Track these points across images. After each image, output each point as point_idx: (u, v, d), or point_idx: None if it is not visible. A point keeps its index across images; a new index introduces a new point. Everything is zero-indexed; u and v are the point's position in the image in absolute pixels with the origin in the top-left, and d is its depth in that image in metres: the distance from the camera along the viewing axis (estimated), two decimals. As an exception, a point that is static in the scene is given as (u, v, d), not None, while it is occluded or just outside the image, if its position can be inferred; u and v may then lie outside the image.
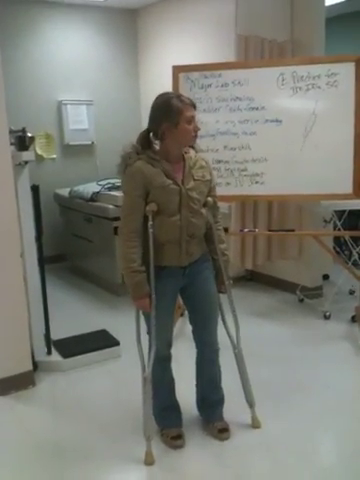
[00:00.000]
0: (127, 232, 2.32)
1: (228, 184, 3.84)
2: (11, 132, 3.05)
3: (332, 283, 4.52)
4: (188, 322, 2.57)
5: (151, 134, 2.33)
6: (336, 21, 5.80)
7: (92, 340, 3.56)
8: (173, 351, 2.52)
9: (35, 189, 3.18)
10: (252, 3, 4.33)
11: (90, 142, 5.90)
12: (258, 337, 3.66)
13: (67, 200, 5.31)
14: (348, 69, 3.58)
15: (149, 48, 5.95)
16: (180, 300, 2.62)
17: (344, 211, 4.28)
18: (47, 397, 3.08)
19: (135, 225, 2.30)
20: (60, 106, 5.70)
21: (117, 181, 4.58)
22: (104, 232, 4.67)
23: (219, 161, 3.84)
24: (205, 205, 2.40)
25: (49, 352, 3.36)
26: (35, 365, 3.20)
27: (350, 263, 4.20)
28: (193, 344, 2.57)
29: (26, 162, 3.09)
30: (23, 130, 3.12)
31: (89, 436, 2.63)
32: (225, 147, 3.82)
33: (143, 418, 2.42)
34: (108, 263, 4.65)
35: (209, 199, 2.41)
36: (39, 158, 5.54)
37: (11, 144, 3.02)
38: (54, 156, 5.74)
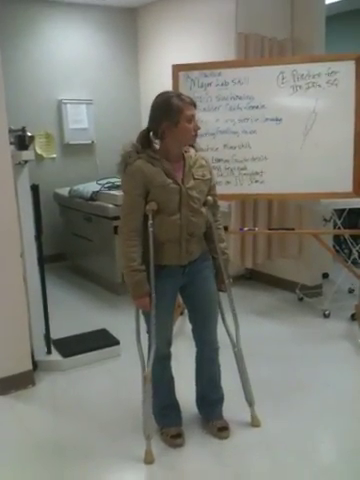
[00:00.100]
0: (127, 231, 2.31)
1: (228, 183, 3.84)
2: (11, 131, 3.05)
3: (332, 282, 4.53)
4: (188, 321, 2.57)
5: (151, 133, 2.33)
6: (336, 19, 5.80)
7: (92, 339, 3.56)
8: (173, 350, 2.52)
9: (35, 188, 3.18)
10: (252, 1, 4.32)
11: (90, 141, 5.90)
12: (258, 336, 3.66)
13: (67, 199, 5.31)
14: (348, 67, 3.57)
15: (149, 47, 5.94)
16: (180, 299, 2.62)
17: (344, 210, 4.28)
18: (47, 396, 3.08)
19: (135, 224, 2.30)
20: (60, 105, 5.70)
21: (117, 180, 4.58)
22: (104, 231, 4.67)
23: (219, 160, 3.83)
24: (205, 204, 2.40)
25: (49, 351, 3.36)
26: (35, 364, 3.20)
27: (350, 262, 4.20)
28: (193, 343, 2.57)
29: (26, 161, 3.09)
30: (23, 129, 3.12)
31: (89, 435, 2.63)
32: (225, 146, 3.82)
33: (143, 417, 2.42)
34: (108, 262, 4.65)
35: (209, 198, 2.41)
36: (39, 157, 5.53)
37: (11, 143, 3.02)
38: (54, 155, 5.74)
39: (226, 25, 4.47)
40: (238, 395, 2.63)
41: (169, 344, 2.50)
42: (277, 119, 3.73)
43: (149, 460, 2.37)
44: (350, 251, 4.47)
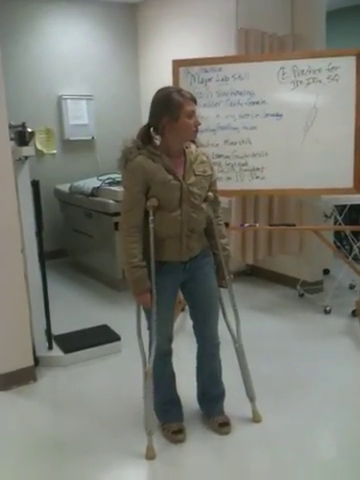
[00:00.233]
0: (127, 227, 2.31)
1: (229, 179, 3.83)
2: (11, 127, 3.04)
3: (332, 278, 4.53)
4: (189, 317, 2.58)
5: (152, 129, 2.33)
6: (337, 15, 5.78)
7: (93, 335, 3.57)
8: (174, 346, 2.53)
9: (35, 184, 3.17)
10: (253, -3, 4.31)
11: (90, 137, 5.89)
12: (258, 332, 3.66)
13: (67, 195, 5.30)
14: (349, 63, 3.56)
15: (149, 42, 5.92)
16: (181, 295, 2.62)
17: (345, 206, 4.27)
18: (48, 392, 3.09)
19: (136, 220, 2.30)
20: (60, 101, 5.69)
21: (117, 176, 4.57)
22: (104, 227, 4.67)
23: (219, 156, 3.83)
24: (206, 200, 2.40)
25: (50, 347, 3.36)
26: (36, 360, 3.20)
27: (350, 258, 4.20)
28: (194, 339, 2.58)
29: (26, 157, 3.09)
30: (23, 125, 3.12)
31: (90, 431, 2.64)
32: (225, 142, 3.81)
33: (144, 413, 2.43)
34: (108, 258, 4.65)
35: (210, 194, 2.41)
36: (39, 153, 5.53)
37: (11, 139, 3.02)
38: (54, 151, 5.73)
39: (226, 21, 4.45)
40: (239, 391, 2.63)
41: (170, 340, 2.50)
42: (278, 115, 3.73)
43: (150, 456, 2.38)
44: (351, 247, 4.47)
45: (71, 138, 5.77)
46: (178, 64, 3.80)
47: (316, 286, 4.44)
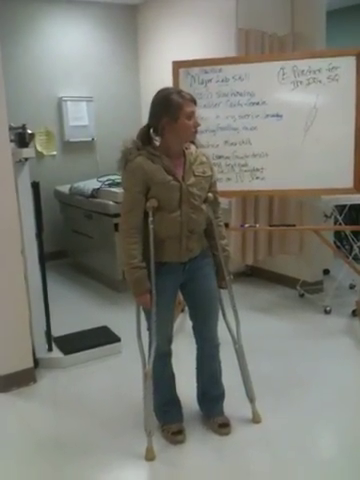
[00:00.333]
0: (127, 228, 2.31)
1: (229, 179, 3.83)
2: (11, 129, 3.05)
3: (333, 278, 4.52)
4: (188, 318, 2.57)
5: (151, 130, 2.33)
6: (337, 15, 5.78)
7: (93, 336, 3.57)
8: (174, 347, 2.52)
9: (35, 186, 3.17)
10: (252, -3, 4.32)
11: (90, 138, 5.90)
12: (259, 332, 3.66)
13: (67, 197, 5.31)
14: (349, 63, 3.56)
15: (149, 43, 5.93)
16: (180, 296, 2.62)
17: (345, 206, 4.27)
18: (48, 394, 3.08)
19: (135, 221, 2.30)
20: (60, 103, 5.69)
21: (117, 177, 4.57)
22: (104, 228, 4.67)
23: (219, 156, 3.83)
24: (206, 201, 2.40)
25: (50, 349, 3.36)
26: (36, 362, 3.20)
27: (351, 258, 4.20)
28: (193, 339, 2.57)
29: (26, 159, 3.09)
30: (23, 127, 3.12)
31: (90, 432, 2.63)
32: (225, 142, 3.81)
33: (144, 414, 2.43)
34: (108, 259, 4.65)
35: (210, 195, 2.41)
36: (39, 155, 5.53)
37: (11, 141, 3.02)
38: (54, 153, 5.74)
39: (226, 21, 4.45)
40: (239, 391, 2.63)
41: (170, 341, 2.50)
42: (278, 115, 3.73)
43: (150, 457, 2.38)
44: (351, 247, 4.46)
45: (71, 139, 5.78)
46: (178, 65, 3.80)
47: (316, 286, 4.44)
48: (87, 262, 5.21)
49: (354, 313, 3.92)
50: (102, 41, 5.93)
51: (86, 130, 5.84)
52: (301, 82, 3.66)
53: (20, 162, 3.07)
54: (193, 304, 2.52)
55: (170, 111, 2.24)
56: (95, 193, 4.78)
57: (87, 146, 5.90)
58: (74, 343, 3.46)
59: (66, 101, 5.70)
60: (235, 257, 4.27)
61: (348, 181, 3.66)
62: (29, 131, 3.13)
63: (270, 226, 4.20)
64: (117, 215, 4.04)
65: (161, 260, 2.34)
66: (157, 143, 2.35)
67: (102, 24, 5.88)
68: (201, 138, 3.66)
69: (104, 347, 3.44)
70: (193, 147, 2.41)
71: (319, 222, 4.27)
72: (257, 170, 3.79)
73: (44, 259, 3.29)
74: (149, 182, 2.27)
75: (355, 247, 4.25)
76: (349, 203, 4.18)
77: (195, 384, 2.65)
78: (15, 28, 5.35)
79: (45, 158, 5.68)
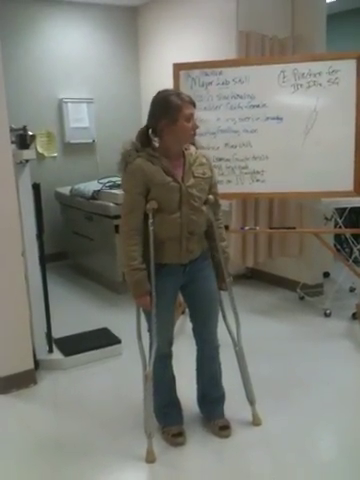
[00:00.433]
0: (128, 230, 2.32)
1: (229, 182, 3.84)
2: (12, 130, 3.05)
3: (333, 281, 4.53)
4: (189, 320, 2.57)
5: (150, 131, 2.33)
6: (337, 18, 5.79)
7: (93, 338, 3.57)
8: (174, 349, 2.52)
9: (36, 187, 3.18)
10: (253, 0, 4.32)
11: (91, 140, 5.90)
12: (259, 335, 3.66)
13: (68, 198, 5.31)
14: (349, 66, 3.57)
15: (150, 45, 5.94)
16: (181, 298, 2.62)
17: (345, 209, 4.28)
18: (48, 395, 3.08)
19: (136, 223, 2.30)
20: (61, 104, 5.70)
21: (118, 179, 4.58)
22: (105, 230, 4.68)
23: (220, 159, 3.83)
24: (206, 203, 2.40)
25: (50, 350, 3.36)
26: (36, 363, 3.20)
27: (351, 260, 4.20)
28: (194, 341, 2.57)
29: (27, 160, 3.09)
30: (24, 128, 3.12)
31: (90, 434, 2.63)
32: (226, 145, 3.82)
33: (144, 415, 2.43)
34: (109, 261, 4.65)
35: (210, 197, 2.41)
36: (40, 156, 5.54)
37: (12, 142, 3.02)
38: (55, 154, 5.75)
39: (227, 23, 4.47)
40: (239, 393, 2.63)
41: (170, 343, 2.50)
42: (278, 118, 3.73)
43: (150, 459, 2.38)
44: (351, 250, 4.47)
45: (72, 141, 5.78)
46: (179, 68, 3.80)
47: (316, 289, 4.44)
48: (87, 264, 5.21)
49: (354, 316, 3.92)
50: (102, 43, 5.94)
51: (87, 132, 5.85)
52: (301, 85, 3.67)
53: (21, 163, 3.07)
54: (193, 306, 2.52)
55: (169, 113, 2.25)
56: (96, 195, 4.79)
57: (88, 148, 5.91)
58: (74, 345, 3.46)
59: (67, 103, 5.71)
60: (235, 259, 4.28)
61: (348, 184, 3.67)
62: (30, 133, 3.14)
63: (270, 228, 4.21)
64: (118, 217, 4.04)
65: (161, 262, 2.35)
66: (156, 144, 2.35)
67: (103, 26, 5.89)
68: (201, 140, 3.66)
69: (104, 349, 3.44)
70: (193, 148, 2.41)
71: (319, 225, 4.28)
72: (257, 172, 3.80)
73: (44, 261, 3.29)
74: (149, 184, 2.27)
75: (355, 250, 4.26)
76: (349, 206, 4.18)
77: (195, 386, 2.65)
78: (16, 29, 5.35)
79: (46, 160, 5.68)
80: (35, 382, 3.11)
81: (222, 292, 2.55)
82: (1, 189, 2.93)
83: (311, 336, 3.71)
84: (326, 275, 4.74)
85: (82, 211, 5.03)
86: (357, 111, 3.58)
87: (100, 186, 4.84)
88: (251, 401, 2.63)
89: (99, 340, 3.53)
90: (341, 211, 4.30)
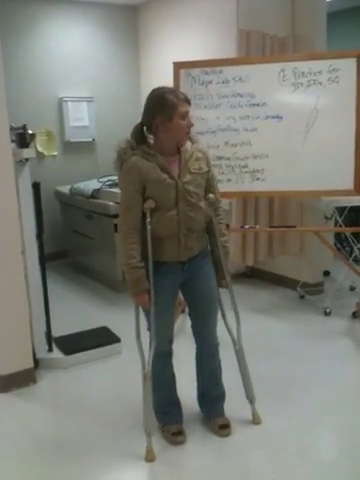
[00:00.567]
0: (126, 229, 2.32)
1: (229, 180, 3.83)
2: (12, 129, 3.05)
3: (333, 279, 4.52)
4: (188, 318, 2.57)
5: (145, 128, 2.33)
6: (337, 17, 5.79)
7: (93, 337, 3.57)
8: (174, 347, 2.53)
9: (36, 186, 3.18)
10: (253, -2, 4.32)
11: (91, 139, 5.89)
12: (259, 333, 3.66)
13: (68, 197, 5.31)
14: (349, 65, 3.57)
15: (150, 44, 5.93)
16: (181, 296, 2.62)
17: (345, 207, 4.27)
18: (48, 394, 3.08)
19: (134, 221, 2.30)
20: (61, 103, 5.69)
21: (117, 178, 4.57)
22: (105, 229, 4.67)
23: (220, 157, 3.83)
24: (206, 199, 2.39)
25: (50, 349, 3.36)
26: (36, 362, 3.20)
27: (351, 259, 4.20)
28: (194, 340, 2.57)
29: (27, 159, 3.09)
30: (24, 127, 3.12)
31: (90, 432, 2.63)
32: (226, 143, 3.81)
33: (143, 414, 2.43)
34: (109, 260, 4.65)
35: (211, 195, 2.40)
36: (40, 155, 5.53)
37: (12, 141, 3.02)
38: (55, 153, 5.74)
39: (227, 22, 4.46)
40: (239, 392, 2.63)
41: (170, 342, 2.49)
42: (278, 117, 3.73)
43: (150, 458, 2.37)
44: (351, 249, 4.47)
45: (72, 140, 5.77)
46: (179, 66, 3.80)
47: (316, 288, 4.44)
48: (87, 263, 5.21)
49: (354, 315, 3.92)
50: (103, 41, 5.93)
51: (87, 130, 5.84)
52: (301, 84, 3.67)
53: (21, 162, 3.07)
54: (192, 303, 2.52)
55: (165, 110, 2.24)
56: (95, 194, 4.79)
57: (88, 146, 5.90)
58: (74, 343, 3.46)
59: (67, 101, 5.70)
60: (235, 258, 4.28)
61: (348, 183, 3.66)
62: (30, 131, 3.13)
63: (270, 227, 4.21)
64: (117, 216, 3.97)
65: (160, 259, 2.34)
66: (151, 141, 2.35)
67: (103, 25, 5.88)
68: (202, 139, 3.66)
69: (104, 348, 3.44)
70: (188, 143, 2.39)
71: (319, 223, 4.27)
72: (257, 171, 3.80)
73: (44, 259, 3.29)
74: (145, 181, 2.27)
75: (355, 249, 4.26)
76: (349, 205, 4.18)
77: (195, 385, 2.65)
78: (16, 29, 5.34)
79: (46, 158, 5.68)
80: (35, 381, 3.11)
81: (222, 291, 2.54)
82: (1, 188, 2.93)
83: (311, 335, 3.71)
84: (326, 274, 4.74)
85: (82, 210, 5.03)
86: (357, 109, 3.58)
87: (100, 185, 4.84)
88: (251, 400, 2.63)
89: (99, 339, 3.53)
90: (341, 210, 4.29)
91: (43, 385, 3.12)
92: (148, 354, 2.40)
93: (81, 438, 2.59)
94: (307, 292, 4.37)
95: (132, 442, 2.49)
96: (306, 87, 3.66)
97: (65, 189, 5.36)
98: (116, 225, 4.30)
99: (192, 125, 2.33)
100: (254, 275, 4.92)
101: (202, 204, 2.38)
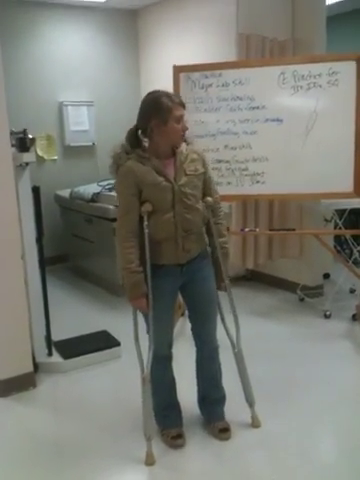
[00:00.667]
0: (124, 233, 2.32)
1: (229, 184, 3.84)
2: (12, 133, 3.05)
3: (333, 282, 4.52)
4: (188, 321, 2.57)
5: (139, 132, 2.33)
6: (337, 20, 5.80)
7: (93, 341, 3.56)
8: (174, 350, 2.52)
9: (36, 190, 3.18)
10: (253, 2, 4.31)
11: (91, 143, 5.90)
12: (259, 336, 3.66)
13: (68, 201, 5.31)
14: (349, 68, 3.57)
15: (150, 48, 5.94)
16: (181, 299, 2.62)
17: (345, 210, 4.27)
18: (48, 398, 3.08)
19: (131, 225, 2.31)
20: (61, 107, 5.70)
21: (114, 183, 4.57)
22: (104, 233, 4.67)
23: (220, 161, 3.83)
24: (204, 202, 2.38)
25: (50, 353, 3.36)
26: (36, 366, 3.20)
27: (351, 262, 4.20)
28: (194, 343, 2.57)
29: (27, 163, 3.09)
30: (24, 131, 3.12)
31: (90, 436, 2.63)
32: (226, 147, 3.82)
33: (143, 418, 2.42)
34: (109, 264, 4.64)
35: (209, 199, 2.40)
36: (40, 159, 5.54)
37: (12, 145, 3.02)
38: (55, 157, 5.74)
39: (227, 26, 4.47)
40: (239, 395, 2.62)
41: (169, 346, 2.49)
42: (278, 120, 3.73)
43: (150, 462, 2.37)
44: (351, 251, 4.46)
45: (72, 144, 5.78)
46: (179, 70, 3.81)
47: (316, 290, 4.44)
48: (87, 266, 5.20)
49: (354, 317, 3.92)
50: (103, 46, 5.94)
51: (87, 135, 5.85)
52: (301, 87, 3.67)
53: (21, 166, 3.08)
54: (192, 306, 2.51)
55: (159, 114, 2.25)
56: (95, 197, 4.79)
57: (88, 151, 5.91)
58: (74, 347, 3.45)
59: (67, 106, 5.71)
60: (235, 261, 4.27)
61: (348, 185, 3.67)
62: (30, 136, 3.14)
63: (270, 230, 4.21)
64: (117, 219, 4.03)
65: (158, 262, 2.34)
66: (146, 145, 2.35)
67: (103, 29, 5.90)
68: (201, 142, 3.68)
69: (104, 351, 3.44)
70: (183, 145, 2.39)
71: (319, 226, 4.27)
72: (257, 174, 3.80)
73: (44, 263, 3.29)
74: (140, 184, 2.27)
75: (355, 251, 4.25)
76: (349, 207, 4.18)
77: (196, 388, 2.64)
78: (16, 32, 5.36)
79: (46, 162, 5.68)
80: (34, 385, 3.11)
81: (221, 294, 2.53)
82: (1, 192, 2.93)
83: (311, 337, 3.70)
84: (326, 276, 4.73)
85: (82, 214, 5.03)
86: (357, 112, 3.58)
87: (100, 189, 4.84)
88: (250, 403, 2.63)
89: (98, 343, 3.52)
90: (341, 212, 4.29)
91: (43, 389, 3.11)
92: (147, 358, 2.39)
93: (81, 442, 2.59)
94: (307, 295, 4.37)
95: (132, 446, 2.48)
96: (306, 90, 3.67)
97: (65, 193, 5.36)
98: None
99: (187, 129, 2.34)
100: (254, 278, 4.92)
101: (199, 206, 2.37)
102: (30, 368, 3.10)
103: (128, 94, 6.09)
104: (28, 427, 2.75)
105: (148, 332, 2.40)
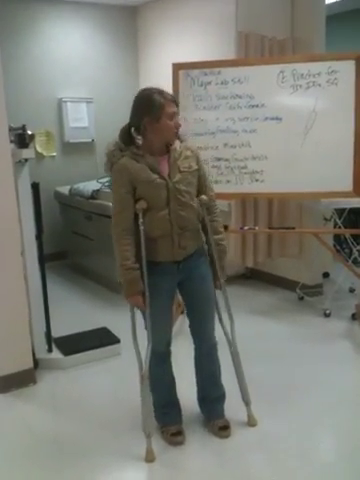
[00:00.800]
0: (119, 230, 2.32)
1: (228, 182, 3.84)
2: (11, 130, 3.05)
3: (332, 281, 4.53)
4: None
5: (132, 129, 2.33)
6: (336, 19, 5.80)
7: (93, 338, 3.57)
8: (175, 348, 2.53)
9: (35, 187, 3.18)
10: (252, 1, 4.31)
11: (90, 140, 5.89)
12: (258, 335, 3.67)
13: (67, 198, 5.31)
14: (348, 67, 3.57)
15: (149, 45, 5.93)
16: (180, 297, 2.62)
17: (344, 209, 4.28)
18: (48, 395, 3.08)
19: (126, 223, 2.31)
20: (60, 104, 5.69)
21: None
22: (104, 230, 4.66)
23: (219, 159, 3.83)
24: (199, 200, 2.38)
25: (50, 350, 3.36)
26: (36, 363, 3.20)
27: (350, 261, 4.21)
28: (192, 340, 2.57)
29: (26, 160, 3.09)
30: (23, 128, 3.12)
31: (89, 433, 2.63)
32: (225, 145, 3.81)
33: (142, 415, 2.43)
34: (108, 261, 4.59)
35: (203, 197, 2.39)
36: (39, 156, 5.53)
37: (11, 142, 3.02)
38: (54, 154, 5.74)
39: (226, 24, 4.46)
40: (237, 394, 2.62)
41: (168, 344, 2.49)
42: (277, 118, 3.74)
43: (150, 458, 2.38)
44: (350, 250, 4.47)
45: (71, 140, 5.77)
46: (178, 67, 3.81)
47: (316, 289, 4.44)
48: (87, 263, 5.21)
49: (353, 317, 3.93)
50: (102, 42, 5.93)
51: (86, 131, 5.84)
52: (300, 85, 3.67)
53: (20, 163, 3.07)
54: (189, 304, 2.51)
55: (152, 111, 2.25)
56: (95, 194, 4.79)
57: (87, 147, 5.90)
58: (74, 344, 3.46)
59: (66, 102, 5.70)
60: (235, 259, 4.28)
61: (347, 184, 3.67)
62: (29, 132, 3.14)
63: (269, 229, 4.21)
64: (117, 217, 4.03)
65: (155, 260, 2.34)
66: (139, 142, 2.35)
67: (102, 25, 5.88)
68: (201, 140, 3.68)
69: (104, 348, 3.44)
70: (177, 142, 2.39)
71: (319, 225, 4.28)
72: (256, 172, 3.80)
73: (44, 260, 3.29)
74: (134, 182, 2.28)
75: (355, 250, 4.26)
76: (348, 207, 4.19)
77: (195, 386, 2.64)
78: (15, 29, 5.35)
79: (45, 159, 5.68)
80: (34, 381, 3.11)
81: (217, 292, 2.53)
82: (0, 189, 2.93)
83: (310, 337, 3.71)
84: (325, 275, 4.74)
85: (81, 211, 5.03)
86: (356, 111, 3.58)
87: (99, 185, 4.84)
88: (246, 402, 2.62)
89: (98, 340, 3.53)
90: (340, 211, 4.30)
91: (43, 386, 3.12)
92: (145, 354, 2.39)
93: (81, 438, 2.59)
94: (306, 294, 4.37)
95: (132, 443, 2.49)
96: (305, 89, 3.67)
97: (64, 190, 5.36)
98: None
99: (180, 125, 2.34)
100: (253, 276, 4.92)
101: (194, 203, 2.37)
102: (30, 364, 3.11)
103: (127, 91, 6.02)
104: (28, 423, 2.76)
105: (146, 327, 2.40)
